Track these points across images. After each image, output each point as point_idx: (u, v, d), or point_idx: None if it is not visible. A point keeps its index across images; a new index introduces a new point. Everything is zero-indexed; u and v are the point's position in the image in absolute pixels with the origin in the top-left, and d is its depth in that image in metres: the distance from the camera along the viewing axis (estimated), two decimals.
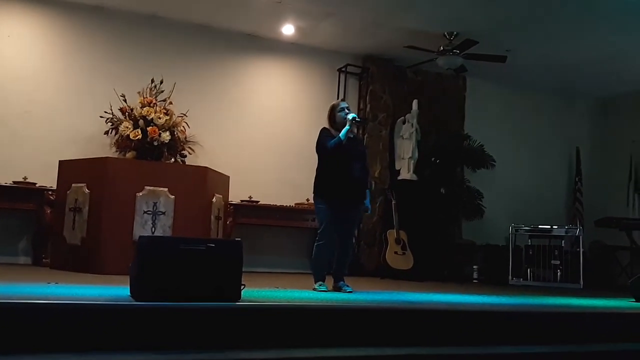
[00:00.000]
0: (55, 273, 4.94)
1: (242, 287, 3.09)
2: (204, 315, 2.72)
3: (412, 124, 7.72)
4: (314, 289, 4.39)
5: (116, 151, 6.30)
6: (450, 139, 8.10)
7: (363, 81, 7.93)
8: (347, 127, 4.49)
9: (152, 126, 6.06)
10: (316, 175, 4.61)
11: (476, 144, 8.09)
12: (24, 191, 5.89)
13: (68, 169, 5.62)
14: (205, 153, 6.72)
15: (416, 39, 6.86)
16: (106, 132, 6.31)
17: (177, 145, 6.32)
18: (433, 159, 7.92)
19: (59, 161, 5.71)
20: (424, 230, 7.37)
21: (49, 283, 3.80)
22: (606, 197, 8.71)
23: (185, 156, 6.44)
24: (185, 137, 6.49)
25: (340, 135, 4.47)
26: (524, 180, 8.61)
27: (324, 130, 4.61)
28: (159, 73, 6.44)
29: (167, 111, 6.27)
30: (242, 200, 6.76)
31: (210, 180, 5.79)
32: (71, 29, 6.63)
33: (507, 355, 3.14)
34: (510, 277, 7.28)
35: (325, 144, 4.49)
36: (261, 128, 7.33)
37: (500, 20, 6.49)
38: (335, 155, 4.47)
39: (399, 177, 7.72)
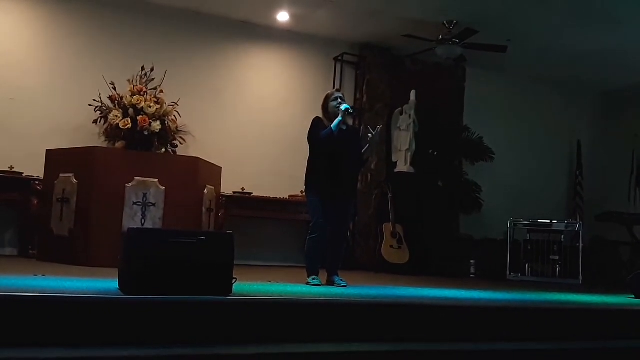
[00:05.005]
0: (42, 265, 4.88)
1: (233, 280, 3.04)
2: (194, 310, 2.67)
3: (410, 115, 7.63)
4: (308, 283, 4.30)
5: (105, 140, 6.15)
6: (448, 130, 7.99)
7: (360, 70, 7.81)
8: (339, 118, 4.39)
9: (142, 115, 5.92)
10: (307, 167, 4.52)
11: (475, 136, 7.99)
12: (10, 181, 5.78)
13: (56, 159, 5.53)
14: (197, 143, 6.61)
15: (415, 27, 6.77)
16: (95, 121, 6.17)
17: (168, 135, 6.20)
18: (431, 151, 7.83)
19: (46, 150, 5.62)
20: (421, 224, 7.31)
21: (35, 275, 3.75)
22: (607, 192, 8.62)
23: (176, 146, 6.32)
24: (177, 127, 6.36)
25: (332, 126, 4.37)
26: (524, 174, 8.50)
27: (316, 119, 4.51)
28: (150, 60, 6.28)
29: (158, 100, 6.13)
30: (234, 192, 6.65)
31: (201, 171, 5.71)
32: (59, 14, 6.48)
33: (503, 352, 3.10)
34: (508, 272, 7.20)
35: (316, 135, 4.40)
36: (255, 118, 7.22)
37: (501, 9, 6.40)
38: (327, 147, 4.37)
39: (396, 170, 7.63)
